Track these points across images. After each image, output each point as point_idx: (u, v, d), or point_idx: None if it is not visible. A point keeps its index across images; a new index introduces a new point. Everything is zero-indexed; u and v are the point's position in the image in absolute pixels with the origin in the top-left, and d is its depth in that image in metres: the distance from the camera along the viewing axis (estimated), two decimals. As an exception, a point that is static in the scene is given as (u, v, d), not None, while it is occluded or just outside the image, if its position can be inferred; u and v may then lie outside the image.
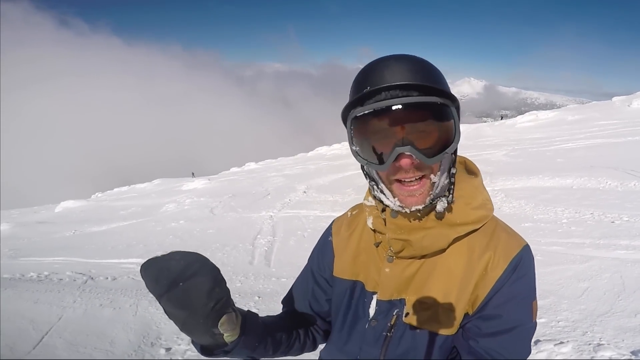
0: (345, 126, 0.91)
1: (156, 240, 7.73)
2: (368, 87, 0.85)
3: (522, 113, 27.94)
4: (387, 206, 0.95)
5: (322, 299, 1.20)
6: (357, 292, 1.08)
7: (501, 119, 36.47)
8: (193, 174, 26.96)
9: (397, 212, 0.94)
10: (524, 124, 22.58)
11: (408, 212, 0.91)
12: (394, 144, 0.84)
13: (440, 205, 0.92)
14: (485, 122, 40.21)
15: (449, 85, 0.92)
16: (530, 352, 0.94)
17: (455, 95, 0.88)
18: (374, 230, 1.04)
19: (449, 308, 0.94)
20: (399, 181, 0.89)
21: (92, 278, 5.39)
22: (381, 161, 0.87)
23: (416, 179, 0.88)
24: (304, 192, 11.57)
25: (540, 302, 3.79)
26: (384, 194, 0.94)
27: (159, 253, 0.81)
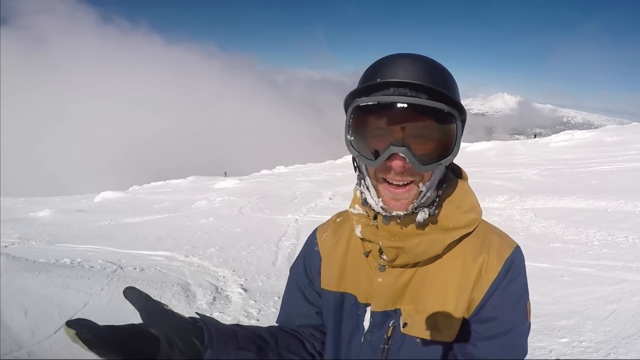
0: (346, 113, 0.88)
1: (185, 235, 7.96)
2: (378, 79, 0.83)
3: (557, 132, 27.19)
4: (370, 205, 0.92)
5: (313, 314, 1.14)
6: (347, 305, 1.04)
7: (535, 137, 35.58)
8: (225, 173, 27.56)
9: (384, 216, 0.91)
10: (558, 143, 21.95)
11: (389, 215, 0.89)
12: (390, 142, 0.82)
13: (421, 216, 0.89)
14: (517, 139, 39.24)
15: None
16: (526, 353, 0.93)
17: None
18: (363, 239, 1.00)
19: (448, 315, 0.92)
20: (387, 181, 0.87)
21: (121, 267, 5.55)
22: (374, 157, 0.85)
23: (404, 184, 0.86)
24: (330, 198, 11.67)
25: (563, 322, 3.75)
26: (369, 191, 0.91)
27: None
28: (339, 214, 1.21)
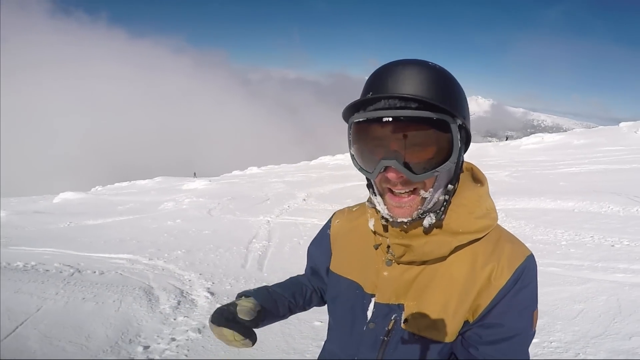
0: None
1: (150, 237, 7.65)
2: (370, 92, 0.86)
3: (528, 135, 28.00)
4: (379, 212, 0.96)
5: (323, 281, 1.28)
6: (354, 292, 1.08)
7: (506, 139, 36.58)
8: (195, 174, 27.08)
9: (391, 222, 0.94)
10: (529, 145, 22.58)
11: (395, 222, 0.92)
12: (382, 155, 0.85)
13: (427, 221, 0.91)
14: (490, 141, 40.25)
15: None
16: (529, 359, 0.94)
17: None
18: (375, 233, 1.04)
19: (449, 316, 0.93)
20: (391, 191, 0.89)
21: (79, 271, 5.29)
22: (371, 169, 0.89)
23: (407, 192, 0.88)
24: (304, 199, 11.54)
25: (534, 322, 3.73)
26: (376, 200, 0.95)
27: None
28: (357, 204, 1.26)
